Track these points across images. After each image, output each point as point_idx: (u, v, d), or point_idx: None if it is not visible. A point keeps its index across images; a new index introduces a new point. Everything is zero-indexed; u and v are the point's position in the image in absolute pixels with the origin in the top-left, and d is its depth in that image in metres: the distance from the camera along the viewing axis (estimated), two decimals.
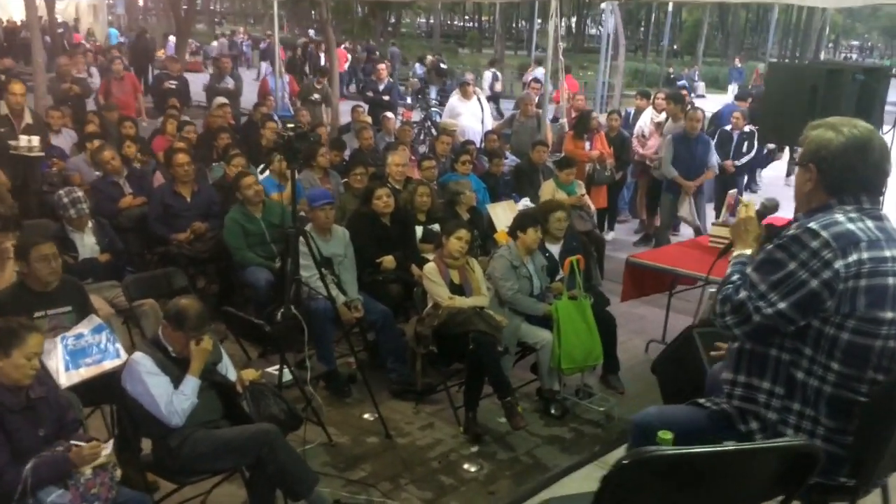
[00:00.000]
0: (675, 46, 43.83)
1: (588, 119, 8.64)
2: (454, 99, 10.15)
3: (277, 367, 4.29)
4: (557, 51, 9.02)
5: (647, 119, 9.21)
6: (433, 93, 19.01)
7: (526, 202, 7.54)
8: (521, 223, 5.13)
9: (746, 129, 8.97)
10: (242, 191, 5.72)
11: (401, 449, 4.49)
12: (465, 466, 4.32)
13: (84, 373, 3.70)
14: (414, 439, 4.61)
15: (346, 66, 22.04)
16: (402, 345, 5.15)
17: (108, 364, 3.78)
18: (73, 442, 3.01)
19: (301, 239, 5.21)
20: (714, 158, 7.90)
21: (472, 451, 4.48)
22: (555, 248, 5.43)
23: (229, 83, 11.93)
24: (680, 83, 25.44)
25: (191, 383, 3.40)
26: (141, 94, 10.92)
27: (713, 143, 8.22)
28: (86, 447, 2.94)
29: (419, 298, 4.96)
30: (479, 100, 10.08)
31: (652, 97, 9.53)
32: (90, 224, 5.19)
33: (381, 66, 12.38)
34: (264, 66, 21.94)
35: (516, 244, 5.08)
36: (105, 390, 3.75)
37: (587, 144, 8.64)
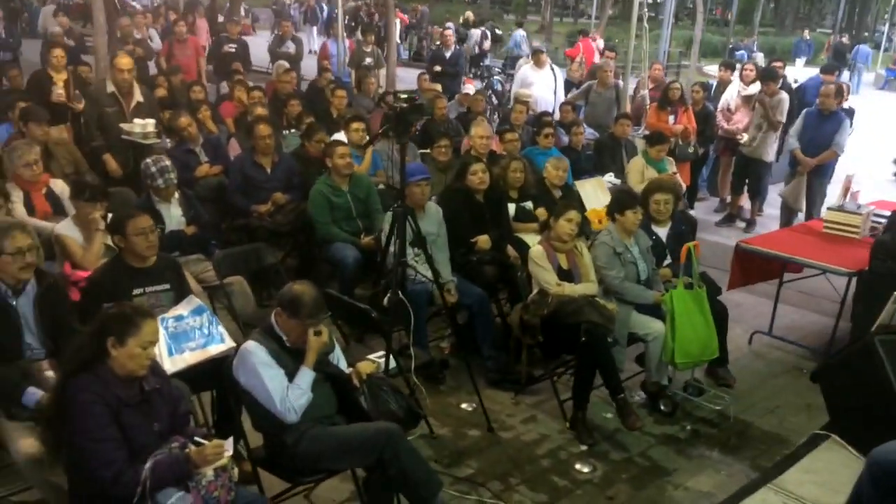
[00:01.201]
0: (728, 15, 42.35)
1: (672, 91, 8.19)
2: (526, 68, 9.73)
3: (379, 354, 4.03)
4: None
5: (733, 92, 8.70)
6: (487, 61, 18.50)
7: (610, 178, 7.17)
8: (619, 204, 4.75)
9: (846, 105, 8.41)
10: (334, 160, 5.42)
11: (506, 444, 4.22)
12: (578, 467, 4.04)
13: (189, 358, 3.47)
14: (518, 433, 4.34)
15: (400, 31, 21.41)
16: (498, 330, 4.87)
17: (213, 349, 3.54)
18: (196, 438, 2.78)
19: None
20: (844, 138, 7.35)
21: (581, 450, 4.20)
22: (661, 231, 5.07)
23: (290, 47, 11.64)
24: (738, 54, 24.56)
25: (306, 376, 3.15)
26: (203, 58, 10.64)
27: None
28: (208, 447, 2.70)
29: (523, 283, 4.64)
30: (552, 69, 9.65)
31: (739, 69, 8.99)
32: (176, 195, 4.95)
33: (448, 31, 11.92)
34: (314, 30, 21.60)
35: (615, 227, 4.73)
36: (206, 377, 3.52)
37: (671, 118, 8.20)
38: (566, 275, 4.52)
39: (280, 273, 4.83)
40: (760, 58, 27.77)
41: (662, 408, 4.61)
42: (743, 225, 8.42)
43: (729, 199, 8.78)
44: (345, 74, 11.39)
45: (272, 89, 8.96)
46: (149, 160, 4.90)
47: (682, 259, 4.52)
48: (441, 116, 8.18)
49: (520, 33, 18.09)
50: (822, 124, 7.22)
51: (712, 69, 17.93)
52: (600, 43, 17.88)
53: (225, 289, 4.56)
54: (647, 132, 7.94)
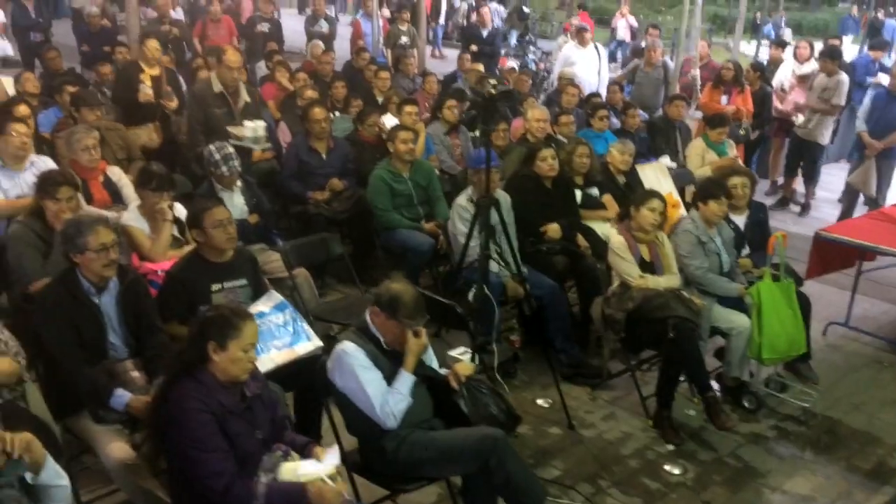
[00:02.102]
0: None
1: (725, 71, 7.94)
2: (569, 46, 9.45)
3: (460, 350, 3.90)
4: None
5: (787, 71, 8.42)
6: (513, 38, 18.12)
7: (665, 161, 6.95)
8: (704, 192, 4.57)
9: None
10: (396, 145, 5.25)
11: (589, 443, 4.08)
12: (667, 468, 3.89)
13: (276, 357, 3.33)
14: (600, 431, 4.20)
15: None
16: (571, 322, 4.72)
17: (300, 348, 3.40)
18: (315, 451, 2.66)
19: (461, 204, 4.84)
20: None
21: (669, 450, 4.05)
22: (739, 219, 4.88)
23: (323, 27, 11.37)
24: (766, 29, 24.01)
25: (406, 381, 3.01)
26: (236, 38, 10.42)
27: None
28: (330, 491, 2.55)
29: (603, 275, 4.47)
30: (596, 48, 9.38)
31: (793, 47, 8.71)
32: (238, 182, 4.79)
33: (485, 9, 11.64)
34: (333, 8, 21.20)
35: (698, 215, 4.54)
36: (290, 378, 3.38)
37: (724, 98, 7.95)
38: (648, 266, 4.34)
39: (347, 264, 4.69)
40: (789, 34, 27.22)
41: (746, 404, 4.44)
42: (797, 209, 8.20)
43: (780, 181, 8.54)
44: (379, 54, 11.17)
45: (310, 70, 8.76)
46: (212, 147, 4.74)
47: (770, 249, 4.34)
48: None
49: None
50: (891, 105, 6.95)
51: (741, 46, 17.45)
52: (630, 19, 17.55)
53: (293, 281, 4.43)
54: (700, 113, 7.71)
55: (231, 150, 4.65)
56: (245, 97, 5.74)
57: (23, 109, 5.44)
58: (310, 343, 3.43)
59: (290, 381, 3.40)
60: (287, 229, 5.64)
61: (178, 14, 12.82)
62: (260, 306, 3.54)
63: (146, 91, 6.16)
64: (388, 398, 2.95)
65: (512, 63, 12.23)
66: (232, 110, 5.64)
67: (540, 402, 4.43)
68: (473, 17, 14.20)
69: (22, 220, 3.81)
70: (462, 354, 3.78)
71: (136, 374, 3.20)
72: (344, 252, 4.73)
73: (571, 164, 5.37)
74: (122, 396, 3.04)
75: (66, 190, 3.78)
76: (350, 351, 2.99)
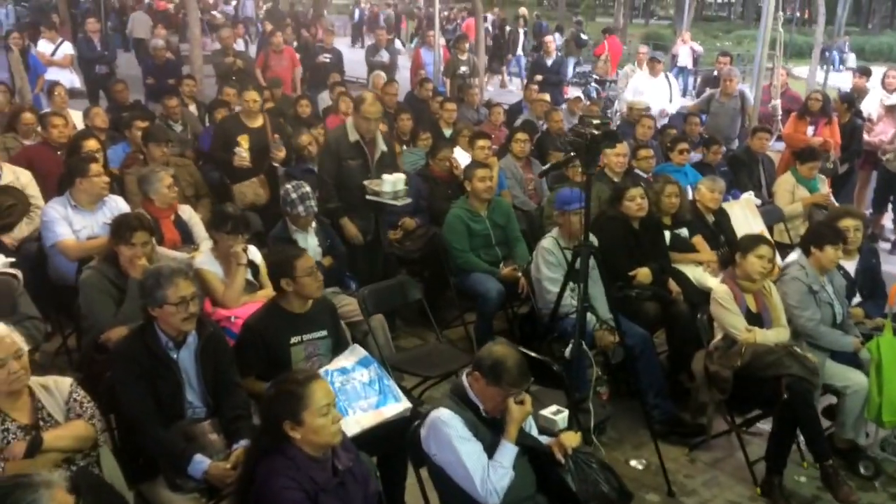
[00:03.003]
0: (806, 14, 40.71)
1: (812, 101, 7.53)
2: (640, 76, 9.16)
3: (552, 410, 3.58)
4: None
5: (874, 101, 7.98)
6: (569, 66, 17.87)
7: (749, 196, 6.56)
8: (818, 237, 4.20)
9: None
10: (474, 183, 5.00)
11: None
12: None
13: (363, 420, 3.08)
14: (703, 500, 3.84)
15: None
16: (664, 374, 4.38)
17: (387, 410, 3.14)
18: None
19: (546, 247, 4.57)
20: None
21: None
22: (849, 265, 4.50)
23: (385, 56, 11.33)
24: (831, 56, 23.32)
25: (509, 453, 2.72)
26: (299, 69, 10.40)
27: None
28: None
29: (704, 327, 4.13)
30: (666, 77, 9.07)
31: (881, 76, 8.25)
32: (313, 224, 4.60)
33: (549, 38, 11.45)
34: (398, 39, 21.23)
35: (809, 262, 4.18)
36: (375, 442, 3.12)
37: (810, 129, 7.54)
38: (755, 319, 3.99)
39: (425, 310, 4.44)
40: (853, 59, 26.48)
41: (863, 471, 4.03)
42: (888, 246, 7.70)
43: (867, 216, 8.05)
44: (439, 84, 11.02)
45: None
46: (288, 186, 4.57)
47: (892, 300, 3.95)
48: (558, 129, 7.70)
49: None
50: None
51: (800, 71, 16.88)
52: (695, 45, 17.14)
53: (369, 326, 4.19)
54: (781, 145, 7.31)
55: (307, 189, 4.46)
56: (382, 146, 5.09)
57: (92, 144, 5.39)
58: (398, 404, 3.17)
59: (375, 446, 3.14)
60: (357, 269, 5.42)
61: (239, 45, 12.93)
62: (342, 361, 3.31)
63: (241, 156, 5.63)
64: (490, 473, 2.67)
65: (575, 92, 12.01)
66: (368, 162, 5.02)
67: (633, 463, 4.09)
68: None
69: (95, 266, 3.67)
70: (556, 414, 3.46)
71: (214, 436, 2.98)
72: (422, 297, 4.46)
73: (659, 204, 5.05)
74: (201, 463, 2.82)
75: (142, 235, 3.62)
76: (447, 420, 2.72)
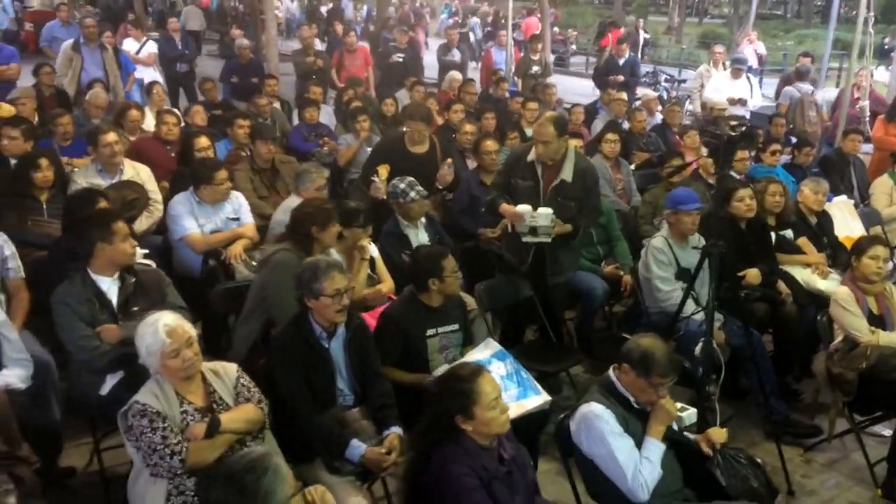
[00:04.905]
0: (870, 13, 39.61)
1: None
2: (720, 76, 9.10)
3: (678, 407, 3.62)
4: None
5: None
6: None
7: (843, 199, 6.49)
8: None
9: None
10: None
11: None
12: None
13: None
14: (823, 500, 3.84)
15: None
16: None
17: (529, 402, 3.23)
18: None
19: (657, 246, 4.60)
20: None
21: None
22: None
23: (456, 56, 11.42)
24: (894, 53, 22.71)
25: (657, 449, 2.79)
26: (372, 68, 10.55)
27: None
28: None
29: (823, 329, 4.13)
30: (748, 78, 8.98)
31: None
32: (423, 219, 4.71)
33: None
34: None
35: None
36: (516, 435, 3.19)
37: None
38: (877, 320, 3.98)
39: (535, 307, 4.51)
40: None
41: None
42: None
43: None
44: (511, 83, 11.07)
45: (445, 100, 8.73)
46: (395, 180, 4.69)
47: None
48: (640, 129, 7.71)
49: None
50: None
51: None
52: (759, 46, 16.86)
53: (486, 321, 4.27)
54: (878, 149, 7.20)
55: (412, 178, 4.57)
56: (566, 175, 4.38)
57: (203, 141, 5.58)
58: (538, 397, 3.25)
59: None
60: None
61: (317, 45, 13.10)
62: (477, 354, 3.41)
63: (377, 186, 5.30)
64: (641, 468, 2.73)
65: (646, 91, 11.94)
66: (538, 187, 4.43)
67: None
68: None
69: (290, 248, 3.70)
70: (682, 412, 3.50)
71: (364, 422, 3.11)
72: (533, 295, 4.53)
73: (763, 205, 5.05)
74: (357, 448, 2.94)
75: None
76: (600, 413, 2.79)
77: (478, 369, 2.63)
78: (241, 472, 2.04)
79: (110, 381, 3.29)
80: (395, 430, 3.03)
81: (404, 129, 5.91)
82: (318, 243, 3.68)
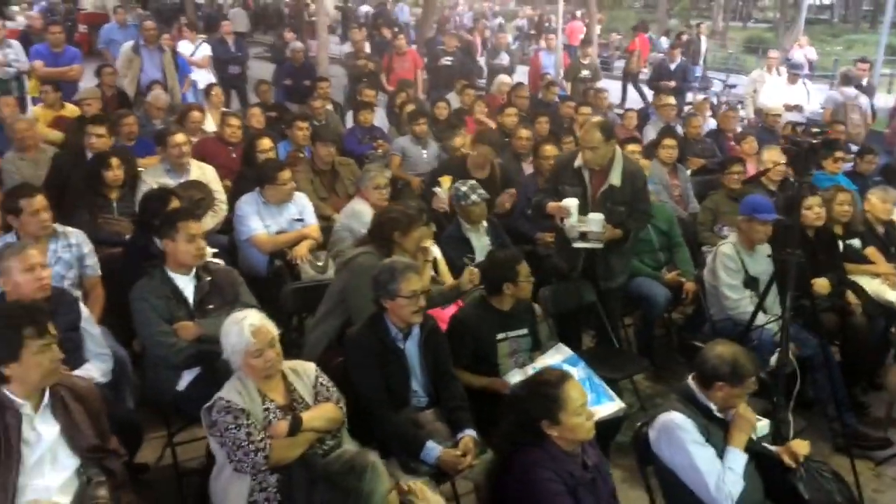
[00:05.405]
0: None
1: None
2: (776, 81, 8.96)
3: None
4: None
5: None
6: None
7: None
8: None
9: None
10: None
11: None
12: None
13: None
14: None
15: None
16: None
17: (603, 409, 3.20)
18: None
19: (726, 253, 4.54)
20: None
21: None
22: None
23: (504, 59, 11.42)
24: None
25: (740, 460, 2.75)
26: (421, 71, 10.59)
27: None
28: None
29: (893, 338, 4.04)
30: (804, 84, 8.83)
31: None
32: (484, 222, 4.71)
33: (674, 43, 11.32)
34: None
35: None
36: None
37: None
38: None
39: (598, 312, 4.48)
40: None
41: None
42: None
43: None
44: (559, 88, 11.02)
45: (495, 104, 8.72)
46: (457, 183, 4.70)
47: None
48: (695, 135, 7.61)
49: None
50: None
51: None
52: (809, 51, 16.57)
53: (550, 326, 4.25)
54: None
55: (473, 181, 4.58)
56: (614, 180, 4.29)
57: (266, 143, 5.64)
58: (613, 403, 3.23)
59: None
60: None
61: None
62: (548, 359, 3.41)
63: (440, 198, 5.21)
64: (724, 478, 2.69)
65: (699, 96, 11.79)
66: (586, 193, 4.34)
67: None
68: None
69: (371, 251, 3.68)
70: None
71: (438, 424, 3.12)
72: (596, 300, 4.51)
73: (831, 213, 4.95)
74: (433, 449, 2.95)
75: None
76: (681, 423, 2.76)
77: (565, 375, 2.62)
78: (342, 473, 2.06)
79: (187, 377, 3.35)
80: (470, 433, 3.04)
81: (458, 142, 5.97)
82: (399, 248, 3.70)
